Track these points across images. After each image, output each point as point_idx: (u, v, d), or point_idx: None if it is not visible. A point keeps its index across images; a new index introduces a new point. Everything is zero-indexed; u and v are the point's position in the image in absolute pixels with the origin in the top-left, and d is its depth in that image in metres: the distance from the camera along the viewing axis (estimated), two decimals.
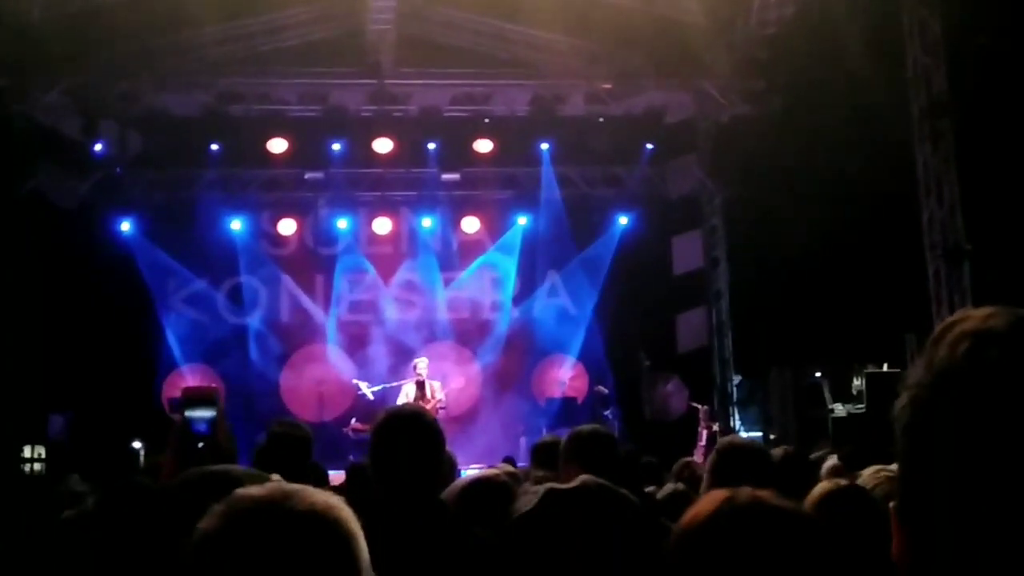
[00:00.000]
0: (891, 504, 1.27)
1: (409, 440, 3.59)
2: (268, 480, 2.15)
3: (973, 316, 1.22)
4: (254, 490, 1.46)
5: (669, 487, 5.83)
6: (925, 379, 1.22)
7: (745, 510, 1.70)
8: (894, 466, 3.68)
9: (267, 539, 1.38)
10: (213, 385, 16.72)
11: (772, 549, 1.66)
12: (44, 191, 18.11)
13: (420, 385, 14.89)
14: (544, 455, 6.26)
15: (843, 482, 3.63)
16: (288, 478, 4.29)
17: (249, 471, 2.15)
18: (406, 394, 14.72)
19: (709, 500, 1.74)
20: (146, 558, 2.01)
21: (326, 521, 1.42)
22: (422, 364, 15.26)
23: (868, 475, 3.58)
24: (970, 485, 1.13)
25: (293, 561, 1.37)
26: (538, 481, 5.15)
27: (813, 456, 7.41)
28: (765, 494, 1.74)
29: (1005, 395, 1.13)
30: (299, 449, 4.74)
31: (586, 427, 4.83)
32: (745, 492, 1.74)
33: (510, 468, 6.80)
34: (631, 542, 3.53)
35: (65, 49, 16.06)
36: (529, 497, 3.62)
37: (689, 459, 7.19)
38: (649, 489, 6.01)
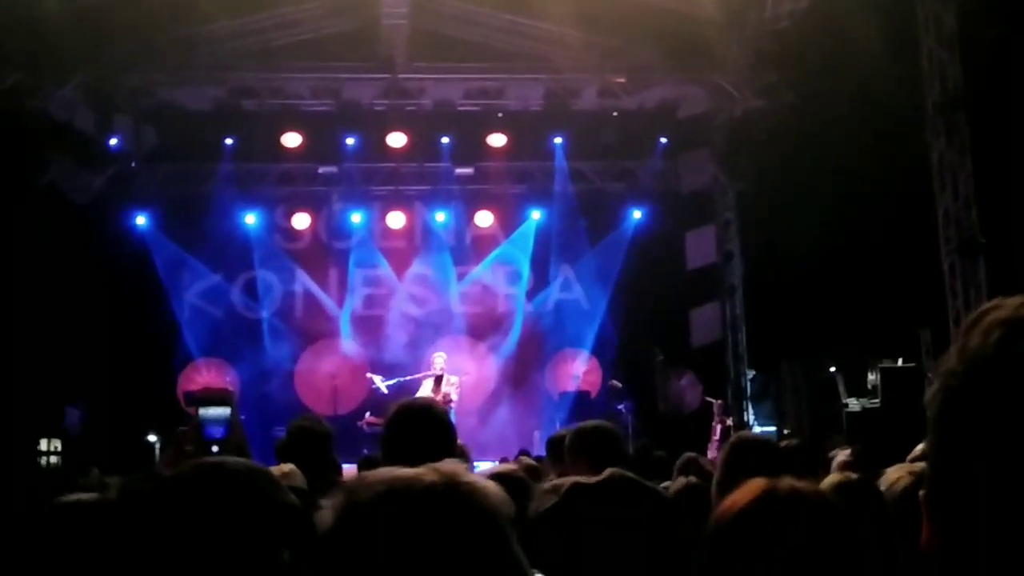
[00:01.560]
0: (920, 493, 1.26)
1: (421, 433, 3.62)
2: (265, 473, 2.15)
3: (1006, 305, 1.22)
4: (417, 473, 1.41)
5: (681, 481, 5.82)
6: (957, 367, 1.21)
7: (786, 500, 1.71)
8: (919, 464, 3.69)
9: (432, 522, 1.33)
10: (227, 386, 16.81)
11: (812, 538, 1.68)
12: (59, 186, 18.16)
13: (438, 380, 14.85)
14: (560, 449, 6.28)
15: (853, 475, 3.65)
16: (307, 473, 4.31)
17: (246, 463, 2.14)
18: (425, 388, 14.71)
19: (748, 490, 1.75)
20: (155, 549, 2.01)
21: (487, 508, 1.39)
22: (440, 359, 15.20)
23: (893, 471, 3.59)
24: (1003, 474, 1.13)
25: (455, 546, 1.33)
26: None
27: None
28: (804, 485, 1.76)
29: None
30: (319, 444, 4.75)
31: (589, 423, 4.83)
32: (785, 483, 1.75)
33: (529, 461, 6.80)
34: (659, 535, 3.54)
35: (79, 44, 16.10)
36: (548, 496, 3.63)
37: (693, 454, 7.17)
38: (663, 484, 6.00)
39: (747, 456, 3.91)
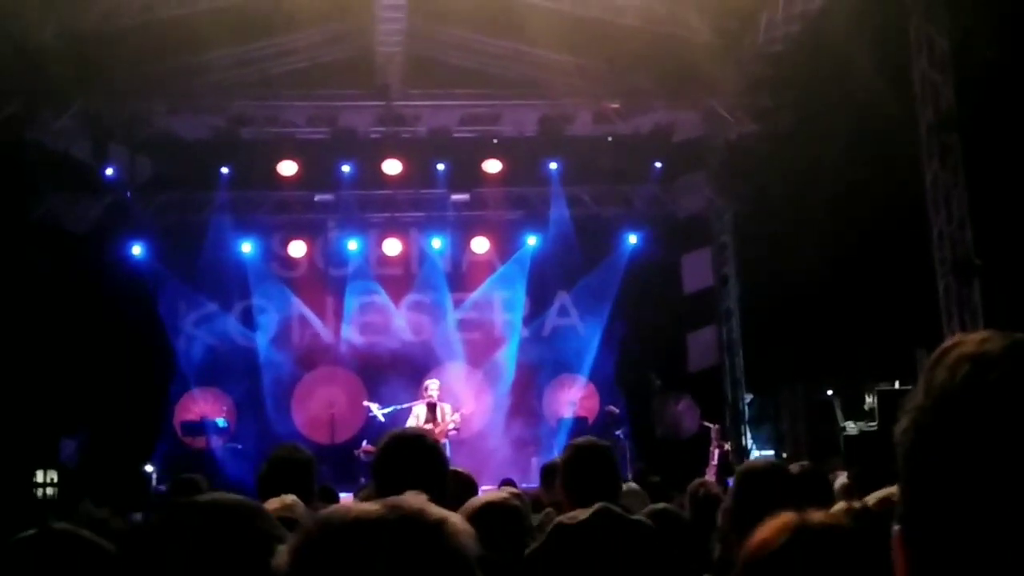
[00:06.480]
0: (894, 529, 1.27)
1: (412, 463, 3.60)
2: (259, 508, 2.13)
3: (969, 340, 1.24)
4: (369, 506, 1.37)
5: (659, 506, 5.77)
6: (925, 403, 1.23)
7: (820, 536, 1.70)
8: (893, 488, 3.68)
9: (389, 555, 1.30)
10: None
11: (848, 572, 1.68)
12: (55, 216, 18.21)
13: (431, 407, 14.82)
14: (554, 477, 6.25)
15: (856, 504, 3.63)
16: None
17: (242, 499, 2.12)
18: (416, 416, 14.66)
19: (779, 527, 1.74)
20: None
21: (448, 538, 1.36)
22: (434, 386, 15.20)
23: (875, 500, 3.58)
24: (973, 509, 1.14)
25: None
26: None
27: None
28: (834, 519, 1.75)
29: (1005, 418, 1.14)
30: (301, 472, 4.72)
31: (583, 440, 4.75)
32: (816, 517, 1.74)
33: (515, 490, 6.78)
34: (646, 571, 3.51)
35: (75, 74, 16.16)
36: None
37: (704, 479, 7.13)
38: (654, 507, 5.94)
39: (757, 484, 3.90)
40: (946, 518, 1.16)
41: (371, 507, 1.36)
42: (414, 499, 1.39)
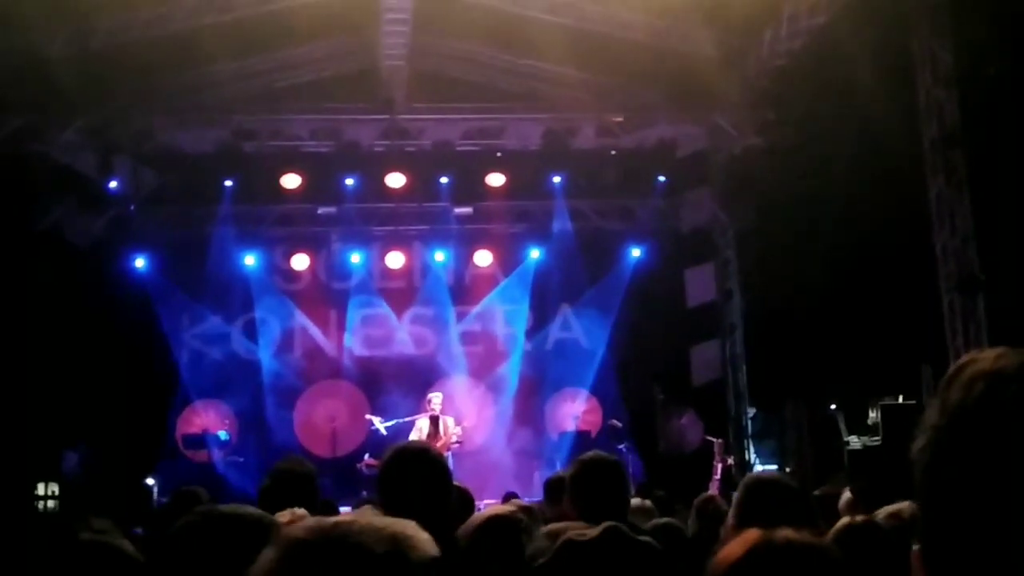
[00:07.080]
0: (914, 547, 1.26)
1: (416, 476, 3.60)
2: (276, 522, 2.12)
3: (983, 358, 1.23)
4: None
5: (662, 520, 5.75)
6: (941, 421, 1.22)
7: (781, 552, 1.69)
8: (903, 504, 3.66)
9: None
10: None
11: None
12: (60, 228, 18.21)
13: (434, 420, 14.83)
14: (557, 491, 6.24)
15: (860, 518, 3.62)
16: None
17: (261, 513, 2.12)
18: (419, 429, 14.67)
19: (743, 541, 1.73)
20: None
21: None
22: (436, 399, 15.21)
23: (883, 517, 3.57)
24: (991, 526, 1.13)
25: None
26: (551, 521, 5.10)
27: (822, 490, 7.33)
28: (801, 536, 1.74)
29: (1021, 435, 1.13)
30: (304, 485, 4.72)
31: (592, 455, 4.74)
32: (782, 534, 1.73)
33: (521, 503, 6.77)
34: None
35: (81, 87, 16.19)
36: (540, 543, 3.59)
37: (711, 494, 7.11)
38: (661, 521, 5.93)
39: (762, 497, 3.87)
40: (964, 535, 1.15)
41: (349, 518, 1.42)
42: (369, 515, 1.45)
